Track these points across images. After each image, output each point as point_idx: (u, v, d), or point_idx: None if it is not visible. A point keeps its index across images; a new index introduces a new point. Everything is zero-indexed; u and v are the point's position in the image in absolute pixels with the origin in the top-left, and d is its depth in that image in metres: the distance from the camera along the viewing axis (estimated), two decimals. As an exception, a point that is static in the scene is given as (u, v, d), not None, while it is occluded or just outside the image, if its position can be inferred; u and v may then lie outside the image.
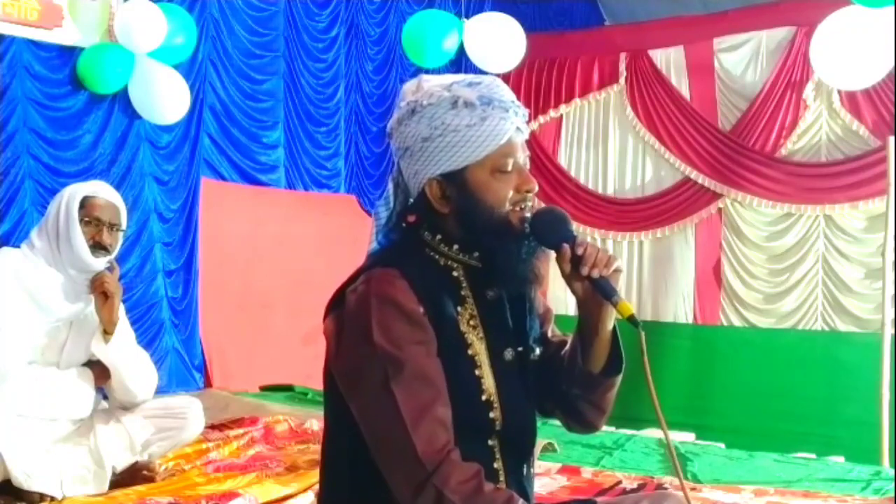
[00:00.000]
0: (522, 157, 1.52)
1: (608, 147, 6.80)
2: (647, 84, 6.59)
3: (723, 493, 2.93)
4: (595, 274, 1.46)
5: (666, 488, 2.80)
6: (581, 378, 1.54)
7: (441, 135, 1.46)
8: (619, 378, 1.56)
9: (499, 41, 5.55)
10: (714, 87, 6.36)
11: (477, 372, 1.47)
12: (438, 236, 1.52)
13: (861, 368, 5.31)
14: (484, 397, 1.47)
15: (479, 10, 6.28)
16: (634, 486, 3.01)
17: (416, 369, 1.38)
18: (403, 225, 1.55)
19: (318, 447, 3.41)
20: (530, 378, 1.57)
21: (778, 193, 6.09)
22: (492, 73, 6.42)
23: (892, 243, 4.73)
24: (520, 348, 1.55)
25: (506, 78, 6.75)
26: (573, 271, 1.47)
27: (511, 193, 1.49)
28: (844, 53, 4.77)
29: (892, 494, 2.99)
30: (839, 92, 5.80)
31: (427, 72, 6.55)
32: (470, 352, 1.47)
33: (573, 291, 1.50)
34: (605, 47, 6.82)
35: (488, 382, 1.47)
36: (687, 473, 3.25)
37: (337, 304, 1.48)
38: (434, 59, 5.63)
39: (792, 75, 6.01)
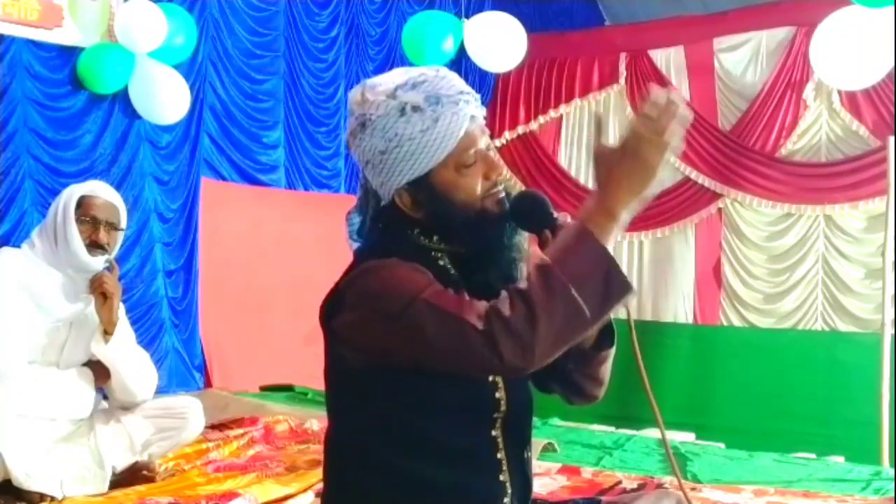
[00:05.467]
0: (484, 143, 1.50)
1: (608, 147, 6.78)
2: (647, 84, 6.59)
3: (723, 493, 2.93)
4: None
5: (665, 488, 2.80)
6: (574, 354, 1.54)
7: (397, 146, 1.44)
8: (613, 350, 1.56)
9: (499, 41, 5.55)
10: (714, 87, 6.36)
11: None
12: (417, 230, 1.52)
13: (861, 368, 5.30)
14: (490, 378, 1.47)
15: (479, 9, 6.28)
16: (634, 486, 3.01)
17: (436, 287, 1.38)
18: (380, 226, 1.55)
19: (318, 447, 3.42)
20: None
21: (778, 193, 6.08)
22: (492, 73, 6.44)
23: (892, 243, 4.72)
24: None
25: (506, 78, 6.77)
26: None
27: (480, 184, 1.48)
28: (844, 53, 4.77)
29: (892, 494, 2.99)
30: (839, 92, 5.80)
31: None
32: None
33: None
34: (605, 47, 6.82)
35: None
36: (687, 473, 3.25)
37: (338, 302, 1.46)
38: (434, 60, 5.62)
39: (792, 75, 6.01)
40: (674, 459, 1.49)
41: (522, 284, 1.32)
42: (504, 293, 1.33)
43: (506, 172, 1.52)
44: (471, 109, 1.47)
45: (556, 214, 1.50)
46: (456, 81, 1.49)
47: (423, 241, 1.51)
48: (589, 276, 1.29)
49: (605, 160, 1.35)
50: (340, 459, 1.55)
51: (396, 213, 1.50)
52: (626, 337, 1.53)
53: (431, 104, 1.44)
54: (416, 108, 1.43)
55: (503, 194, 1.50)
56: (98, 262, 2.75)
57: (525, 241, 1.52)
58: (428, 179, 1.46)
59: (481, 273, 1.50)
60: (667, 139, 1.31)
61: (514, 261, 1.51)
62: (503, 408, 1.48)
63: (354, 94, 1.51)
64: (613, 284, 1.30)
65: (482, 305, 1.34)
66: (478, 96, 1.51)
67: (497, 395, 1.47)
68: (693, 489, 2.91)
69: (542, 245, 1.49)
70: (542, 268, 1.31)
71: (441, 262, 1.51)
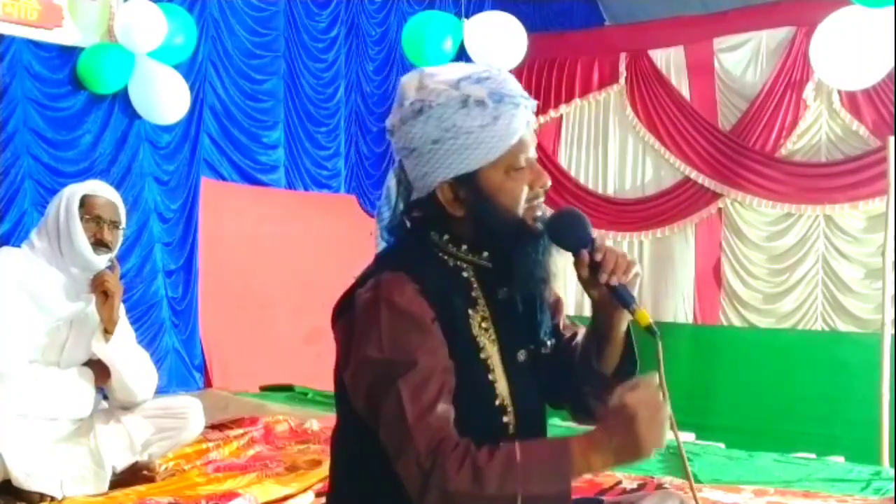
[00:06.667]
0: (533, 151, 1.47)
1: (608, 147, 6.80)
2: (647, 84, 6.59)
3: (723, 493, 2.93)
4: (614, 281, 1.42)
5: (666, 488, 2.80)
6: (594, 378, 1.52)
7: (453, 137, 1.39)
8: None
9: (499, 41, 5.55)
10: (714, 87, 6.37)
11: (490, 376, 1.43)
12: (446, 236, 1.47)
13: (861, 368, 5.30)
14: (497, 402, 1.43)
15: (479, 9, 6.28)
16: (634, 486, 3.01)
17: (423, 372, 1.34)
18: (408, 224, 1.50)
19: (318, 447, 3.42)
20: (542, 375, 1.53)
21: (778, 193, 6.09)
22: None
23: (892, 243, 4.72)
24: (532, 346, 1.51)
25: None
26: (591, 277, 1.44)
27: (525, 191, 1.44)
28: (844, 53, 4.77)
29: (892, 494, 2.99)
30: (839, 92, 5.80)
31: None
32: (482, 355, 1.43)
33: (590, 296, 1.48)
34: (605, 47, 6.82)
35: (501, 386, 1.43)
36: (687, 473, 3.25)
37: (346, 308, 1.44)
38: (434, 60, 5.62)
39: (792, 75, 6.01)
40: (687, 463, 1.49)
41: (480, 457, 1.28)
42: (462, 450, 1.29)
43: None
44: (528, 115, 1.45)
45: (593, 235, 1.47)
46: (516, 84, 1.45)
47: (451, 248, 1.47)
48: (543, 499, 1.28)
49: (629, 416, 1.29)
50: (347, 460, 1.53)
51: (433, 208, 1.45)
52: (641, 341, 1.52)
53: (495, 101, 1.40)
54: (479, 103, 1.39)
55: (540, 211, 1.47)
56: (102, 261, 2.76)
57: (555, 264, 1.48)
58: (475, 177, 1.42)
59: (506, 288, 1.48)
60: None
61: (541, 281, 1.47)
62: (511, 431, 1.44)
63: (410, 80, 1.46)
64: None
65: (441, 431, 1.31)
66: (535, 103, 1.48)
67: (505, 419, 1.44)
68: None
69: (578, 265, 1.46)
70: (509, 459, 1.28)
71: (465, 274, 1.47)
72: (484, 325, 1.45)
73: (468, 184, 1.42)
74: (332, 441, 1.57)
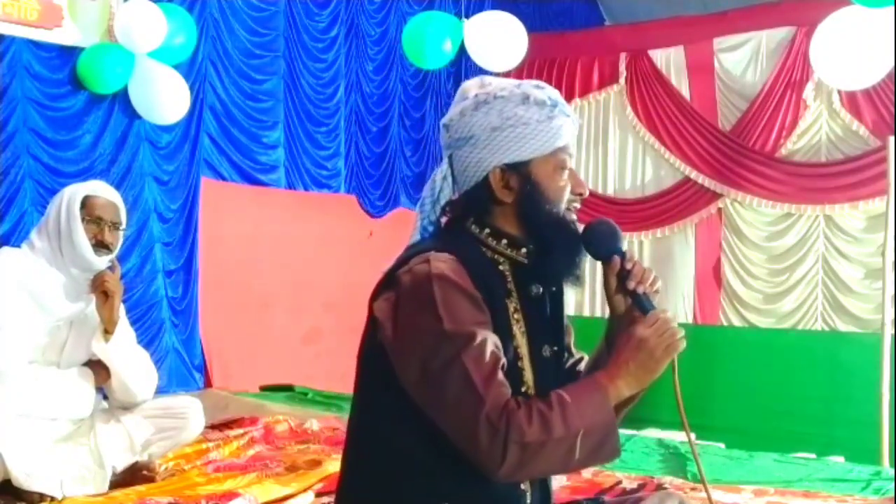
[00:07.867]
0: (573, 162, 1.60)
1: (608, 147, 6.80)
2: (647, 84, 6.60)
3: (723, 493, 2.93)
4: (640, 290, 1.52)
5: (666, 488, 2.80)
6: None
7: (512, 126, 1.52)
8: (641, 394, 1.57)
9: (499, 41, 5.55)
10: (714, 87, 6.37)
11: (519, 364, 1.51)
12: (486, 230, 1.55)
13: (861, 368, 5.30)
14: (523, 389, 1.50)
15: (479, 9, 6.27)
16: (634, 486, 3.01)
17: (481, 344, 1.40)
18: (445, 217, 1.58)
19: (318, 447, 3.43)
20: (563, 377, 1.59)
21: (778, 193, 6.09)
22: (492, 73, 6.43)
23: (892, 243, 4.72)
24: (555, 347, 1.59)
25: (506, 77, 6.77)
26: (619, 284, 1.54)
27: (568, 191, 1.56)
28: (844, 53, 4.77)
29: (892, 494, 2.99)
30: (839, 92, 5.80)
31: (427, 73, 6.55)
32: (514, 343, 1.50)
33: (612, 305, 1.56)
34: (605, 47, 6.83)
35: (528, 375, 1.51)
36: (687, 473, 3.25)
37: (387, 286, 1.49)
38: (434, 60, 5.62)
39: (792, 75, 6.01)
40: (700, 464, 1.58)
41: (543, 406, 1.38)
42: (526, 405, 1.38)
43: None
44: (574, 129, 1.58)
45: (624, 248, 1.56)
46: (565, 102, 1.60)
47: (491, 241, 1.55)
48: (596, 429, 1.40)
49: (641, 342, 1.46)
50: (363, 443, 1.56)
51: (481, 195, 1.54)
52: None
53: (552, 104, 1.54)
54: (538, 102, 1.53)
55: (576, 217, 1.57)
56: (103, 262, 2.76)
57: (585, 268, 1.58)
58: (527, 167, 1.53)
59: (539, 285, 1.55)
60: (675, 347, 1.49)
61: (576, 277, 1.56)
62: None
63: (472, 81, 1.61)
64: (607, 446, 1.41)
65: (505, 394, 1.39)
66: (579, 122, 1.62)
67: None
68: (693, 489, 2.91)
69: (609, 271, 1.54)
70: (562, 402, 1.39)
71: (501, 268, 1.54)
72: (516, 316, 1.53)
73: (520, 171, 1.53)
74: (349, 426, 1.59)
